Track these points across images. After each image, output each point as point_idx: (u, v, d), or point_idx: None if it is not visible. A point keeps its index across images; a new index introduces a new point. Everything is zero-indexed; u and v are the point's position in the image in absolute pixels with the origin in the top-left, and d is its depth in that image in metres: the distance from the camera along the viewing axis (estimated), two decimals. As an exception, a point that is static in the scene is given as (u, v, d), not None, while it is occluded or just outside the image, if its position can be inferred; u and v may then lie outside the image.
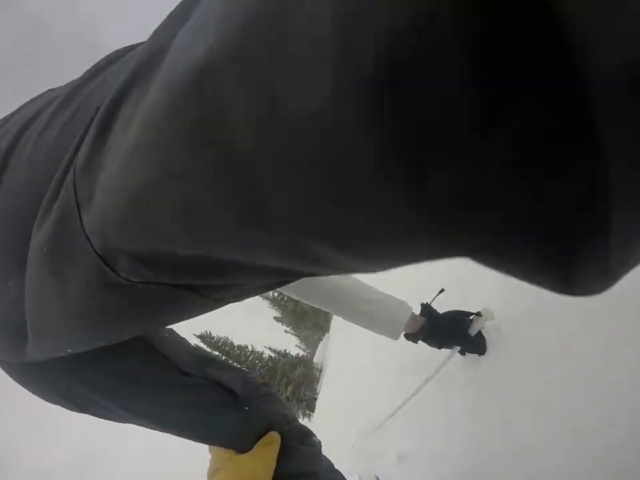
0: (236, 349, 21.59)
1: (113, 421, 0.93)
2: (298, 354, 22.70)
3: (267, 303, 22.58)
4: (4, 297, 0.47)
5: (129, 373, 0.86)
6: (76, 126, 0.41)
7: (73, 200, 0.34)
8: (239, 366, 1.10)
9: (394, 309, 1.26)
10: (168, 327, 0.96)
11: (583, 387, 0.87)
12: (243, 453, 0.97)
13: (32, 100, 0.63)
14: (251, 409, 0.98)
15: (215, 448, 1.02)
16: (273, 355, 22.06)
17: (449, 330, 1.26)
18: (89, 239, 0.33)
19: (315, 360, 19.95)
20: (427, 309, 1.32)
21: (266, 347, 22.34)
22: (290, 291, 1.25)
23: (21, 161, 0.46)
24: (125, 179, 0.27)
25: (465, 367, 1.29)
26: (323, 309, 1.32)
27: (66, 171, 0.36)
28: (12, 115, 0.63)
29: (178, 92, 0.21)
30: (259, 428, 0.99)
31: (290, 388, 21.09)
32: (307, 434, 1.04)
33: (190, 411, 0.93)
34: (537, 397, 0.95)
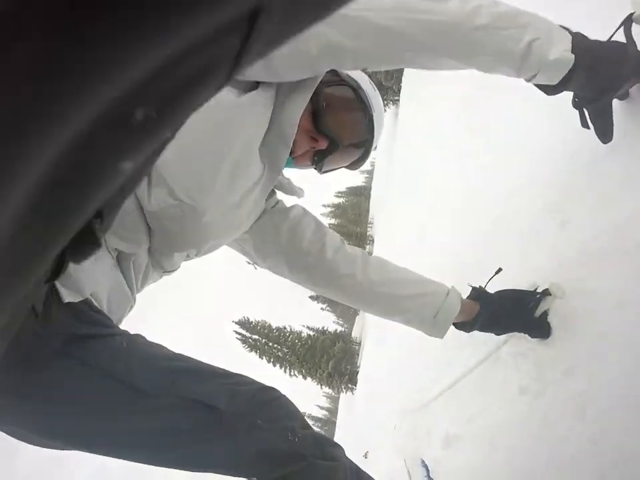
0: (274, 330, 21.96)
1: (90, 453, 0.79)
2: (336, 330, 22.92)
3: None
4: None
5: (77, 410, 0.72)
6: None
7: None
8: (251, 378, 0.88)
9: (436, 302, 1.00)
10: (133, 337, 0.81)
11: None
12: None
13: None
14: (240, 427, 0.77)
15: None
16: (311, 333, 22.36)
17: (511, 315, 1.03)
18: None
19: (353, 334, 20.11)
20: (480, 293, 1.06)
21: (304, 326, 22.61)
22: (315, 288, 1.06)
23: None
24: None
25: (521, 341, 1.16)
26: (353, 306, 1.11)
27: None
28: None
29: None
30: (255, 448, 0.77)
31: (331, 364, 21.35)
32: (323, 444, 0.85)
33: (155, 437, 0.75)
34: (603, 374, 0.84)
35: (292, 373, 21.81)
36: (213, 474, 0.81)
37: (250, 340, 22.69)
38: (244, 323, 22.11)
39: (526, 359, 1.08)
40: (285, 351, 21.92)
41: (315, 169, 0.95)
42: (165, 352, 0.84)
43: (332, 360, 20.95)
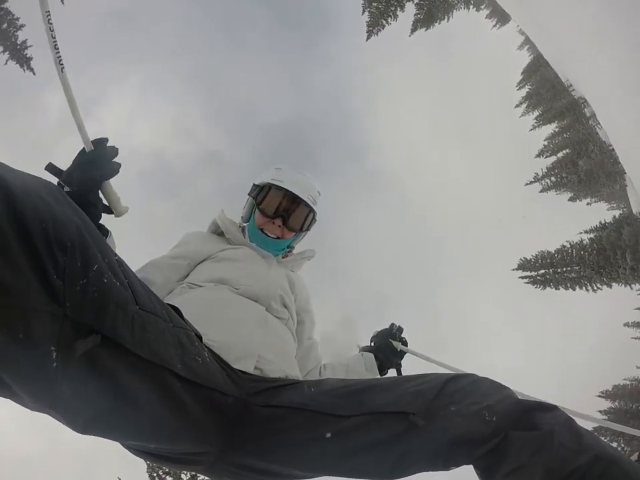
0: (556, 255, 20.51)
1: None
2: (614, 216, 19.54)
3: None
4: None
5: (282, 445, 0.87)
6: None
7: None
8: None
9: (359, 362, 1.60)
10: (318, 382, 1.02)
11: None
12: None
13: None
14: (429, 422, 0.77)
15: None
16: (590, 235, 20.61)
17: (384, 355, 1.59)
18: None
19: (634, 211, 19.21)
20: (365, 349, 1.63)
21: (579, 233, 21.54)
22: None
23: None
24: None
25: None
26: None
27: None
28: None
29: None
30: (451, 437, 0.76)
31: (628, 255, 17.89)
32: (527, 413, 0.78)
33: (363, 454, 0.82)
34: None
35: (594, 288, 19.83)
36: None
37: (538, 277, 22.58)
38: (524, 265, 22.32)
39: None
40: (577, 269, 20.98)
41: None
42: (345, 380, 1.00)
43: (628, 251, 18.70)
